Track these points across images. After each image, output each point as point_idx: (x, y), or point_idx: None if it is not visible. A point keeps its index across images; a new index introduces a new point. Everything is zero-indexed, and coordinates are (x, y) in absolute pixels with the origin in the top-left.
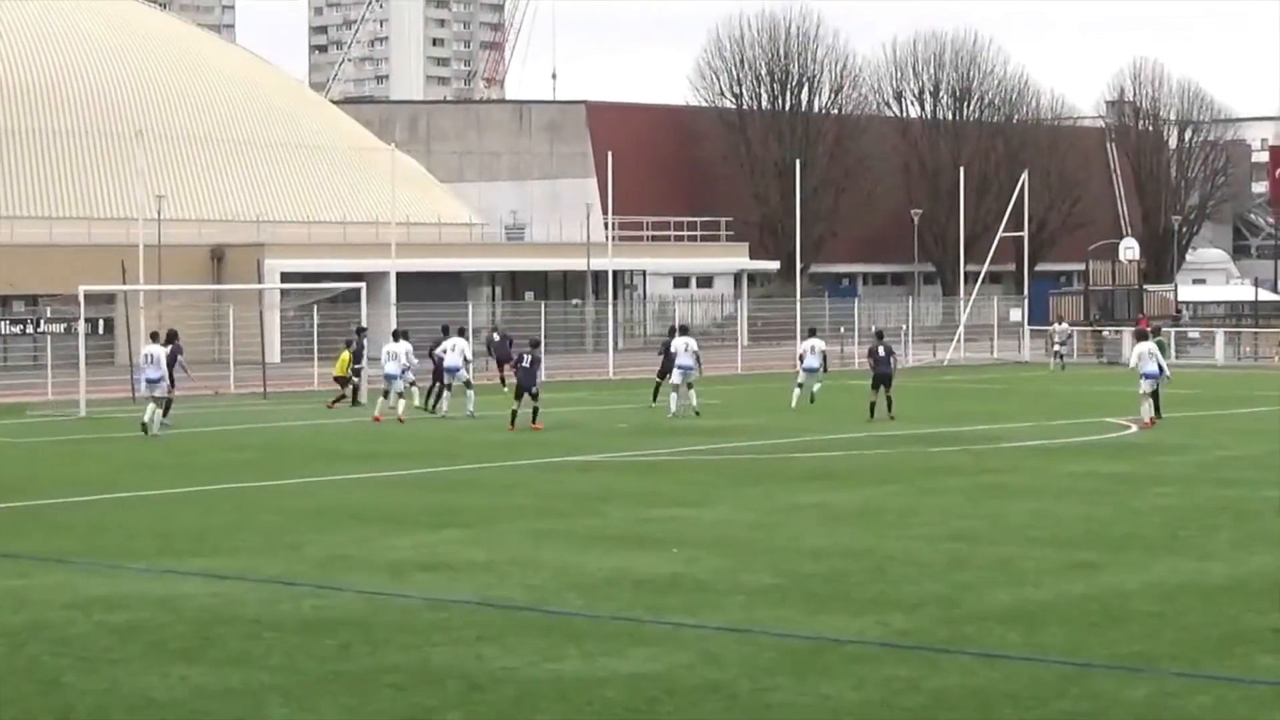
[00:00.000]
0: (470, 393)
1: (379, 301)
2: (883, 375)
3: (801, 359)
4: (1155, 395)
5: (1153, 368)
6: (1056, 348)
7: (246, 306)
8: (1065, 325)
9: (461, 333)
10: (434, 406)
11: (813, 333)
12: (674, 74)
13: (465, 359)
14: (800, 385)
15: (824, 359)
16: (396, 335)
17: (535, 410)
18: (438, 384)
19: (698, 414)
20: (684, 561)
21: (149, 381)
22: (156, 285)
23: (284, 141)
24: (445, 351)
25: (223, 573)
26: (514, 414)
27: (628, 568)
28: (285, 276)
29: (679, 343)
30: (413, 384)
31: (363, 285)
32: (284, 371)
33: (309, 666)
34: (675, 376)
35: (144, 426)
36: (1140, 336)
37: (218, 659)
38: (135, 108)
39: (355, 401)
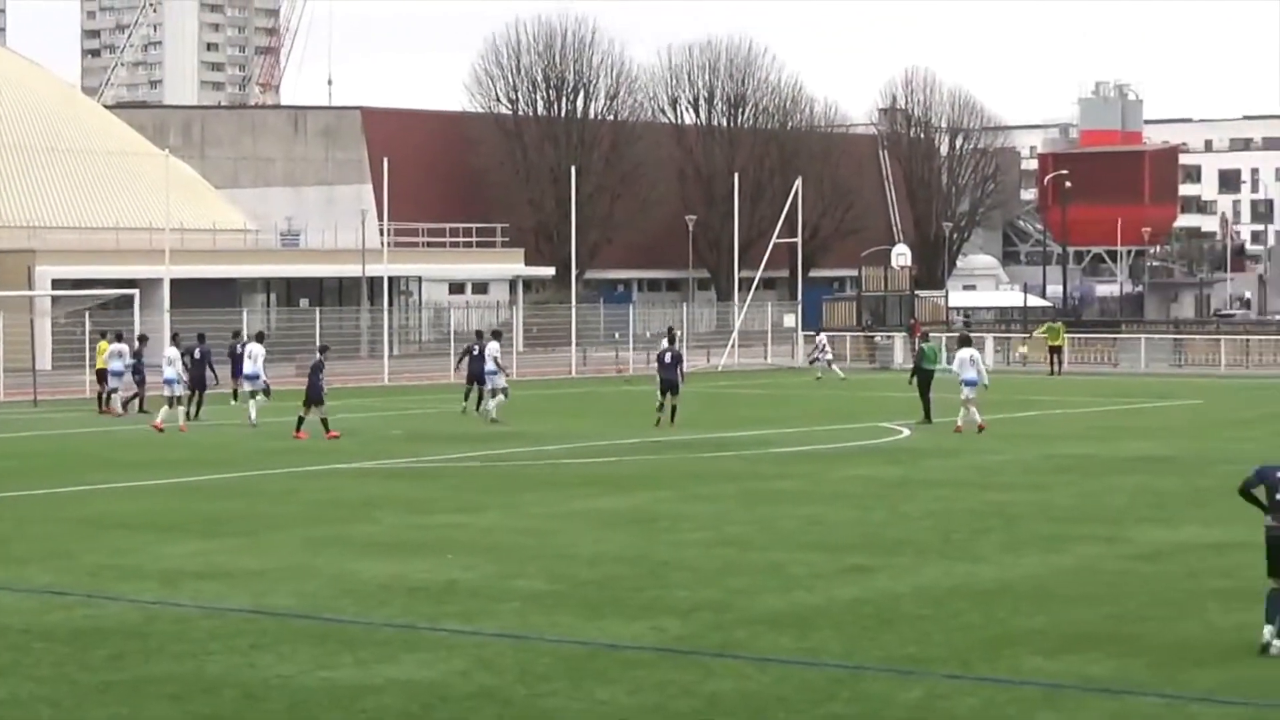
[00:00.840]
0: (256, 400)
1: (153, 308)
2: (667, 381)
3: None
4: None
5: (972, 375)
6: (815, 356)
7: (16, 313)
8: (824, 336)
9: (260, 338)
10: (197, 414)
11: (670, 331)
12: (450, 80)
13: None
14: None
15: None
16: (174, 340)
17: (301, 420)
18: (197, 391)
19: (492, 421)
20: (458, 568)
21: None
22: None
23: (55, 146)
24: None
25: None
26: (299, 420)
27: (402, 574)
28: (57, 283)
29: (489, 349)
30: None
31: (136, 292)
32: (55, 379)
33: (80, 676)
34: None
35: None
36: (964, 343)
37: None
38: None
39: (108, 408)
